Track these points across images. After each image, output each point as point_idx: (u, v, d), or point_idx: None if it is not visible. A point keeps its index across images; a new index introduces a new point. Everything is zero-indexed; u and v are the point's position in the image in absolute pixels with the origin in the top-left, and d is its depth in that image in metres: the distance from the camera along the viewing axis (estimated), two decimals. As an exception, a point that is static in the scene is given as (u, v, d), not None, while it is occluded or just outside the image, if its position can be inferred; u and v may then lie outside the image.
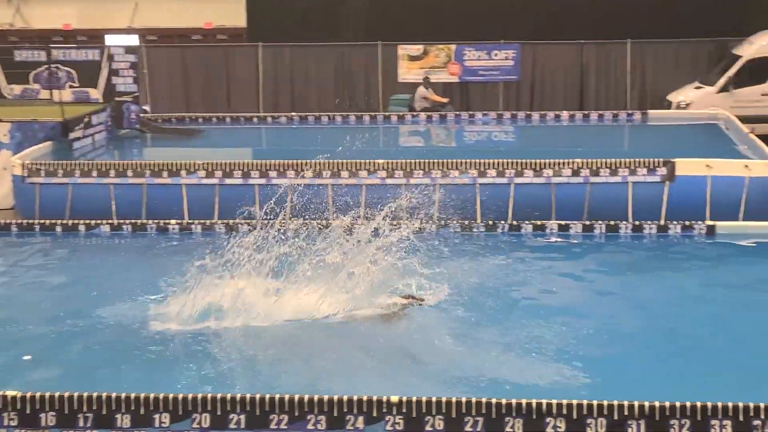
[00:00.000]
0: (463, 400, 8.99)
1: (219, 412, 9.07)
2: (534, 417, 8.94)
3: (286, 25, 30.68)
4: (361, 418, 9.02)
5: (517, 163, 17.41)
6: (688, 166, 17.23)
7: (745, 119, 22.72)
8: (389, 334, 11.55)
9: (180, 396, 9.05)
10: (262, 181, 17.66)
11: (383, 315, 12.01)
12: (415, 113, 24.05)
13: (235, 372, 10.62)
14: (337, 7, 30.65)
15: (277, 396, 9.05)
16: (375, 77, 29.31)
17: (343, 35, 30.11)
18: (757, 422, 8.74)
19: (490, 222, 15.21)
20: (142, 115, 23.38)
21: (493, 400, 9.00)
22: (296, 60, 29.60)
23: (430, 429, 8.96)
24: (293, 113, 24.93)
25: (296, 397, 9.05)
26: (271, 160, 17.89)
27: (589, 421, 8.90)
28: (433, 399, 9.03)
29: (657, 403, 8.85)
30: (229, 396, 9.06)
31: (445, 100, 26.95)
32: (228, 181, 17.71)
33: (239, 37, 32.61)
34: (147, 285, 12.82)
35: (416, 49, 29.11)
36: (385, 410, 9.01)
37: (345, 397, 9.06)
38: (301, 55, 29.60)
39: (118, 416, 8.94)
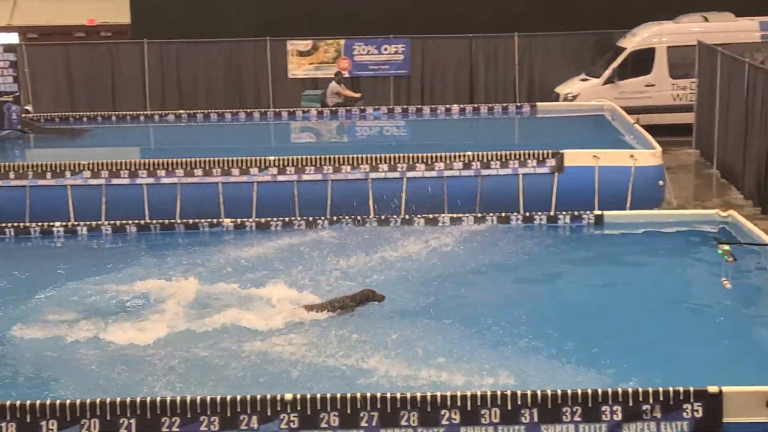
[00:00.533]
0: (358, 395, 8.95)
1: (109, 417, 8.88)
2: (429, 410, 8.95)
3: (173, 21, 30.22)
4: (255, 418, 8.92)
5: (408, 157, 17.43)
6: (576, 157, 17.48)
7: (630, 110, 23.13)
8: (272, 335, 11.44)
9: (68, 402, 8.84)
10: (151, 180, 17.35)
11: (337, 311, 11.90)
12: (306, 109, 23.92)
13: (127, 376, 10.40)
14: (224, 3, 30.32)
15: (168, 398, 8.89)
16: (264, 73, 29.07)
17: (231, 31, 29.78)
18: (646, 407, 8.89)
19: (383, 217, 15.18)
20: (23, 115, 22.73)
21: (388, 395, 8.98)
22: (183, 56, 29.19)
23: (326, 425, 8.90)
24: (181, 111, 24.54)
25: (188, 398, 8.90)
26: (160, 158, 17.58)
27: (483, 411, 8.95)
28: (328, 395, 8.97)
29: (549, 391, 8.94)
30: (118, 400, 8.88)
31: (357, 95, 26.92)
32: (115, 181, 17.35)
33: (124, 34, 32.01)
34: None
35: (305, 44, 28.98)
36: (279, 408, 8.93)
37: (238, 397, 8.95)
38: (188, 51, 29.20)
39: None
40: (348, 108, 24.28)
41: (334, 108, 24.39)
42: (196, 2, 30.45)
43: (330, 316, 11.78)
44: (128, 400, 8.87)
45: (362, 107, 24.42)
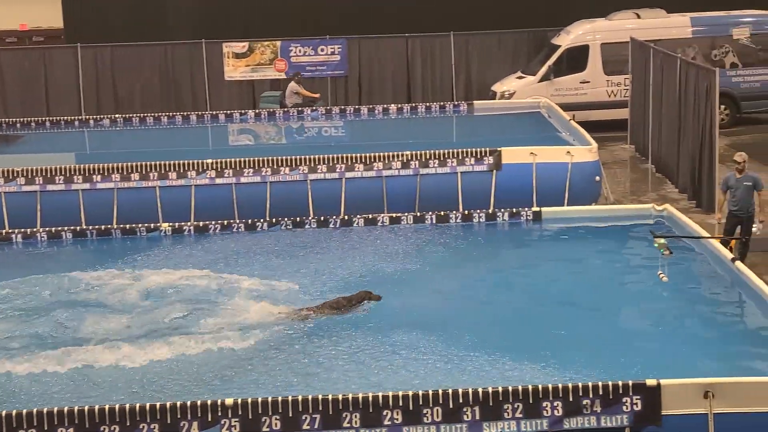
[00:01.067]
0: (299, 398, 8.94)
1: (46, 426, 8.78)
2: (371, 410, 8.96)
3: (106, 25, 29.90)
4: (195, 423, 8.87)
5: (347, 157, 17.41)
6: (513, 155, 17.58)
7: (565, 107, 23.33)
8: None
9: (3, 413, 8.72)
10: (86, 186, 17.14)
11: (335, 311, 11.95)
12: (258, 111, 23.78)
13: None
14: (158, 6, 30.04)
15: (107, 406, 8.81)
16: (200, 76, 28.86)
17: (166, 34, 29.52)
18: (586, 401, 8.97)
19: (322, 218, 15.16)
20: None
21: (329, 396, 8.97)
22: (118, 60, 28.85)
23: (267, 429, 8.87)
24: (117, 115, 24.28)
25: (127, 406, 8.82)
26: (95, 163, 17.38)
27: (425, 411, 8.98)
28: (269, 399, 8.95)
29: (490, 389, 8.99)
30: (55, 410, 8.78)
31: (316, 95, 26.81)
32: (50, 187, 17.10)
33: (57, 38, 31.57)
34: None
35: (241, 46, 28.80)
36: (219, 413, 8.88)
37: (178, 403, 8.89)
38: (123, 55, 28.88)
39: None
40: (287, 110, 24.17)
41: (289, 109, 24.28)
42: (129, 5, 30.13)
43: (327, 317, 11.77)
44: (65, 409, 8.79)
45: (321, 107, 24.34)
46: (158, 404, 8.81)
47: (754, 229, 16.14)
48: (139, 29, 29.59)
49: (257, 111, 23.98)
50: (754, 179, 16.14)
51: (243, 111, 24.03)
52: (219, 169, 17.28)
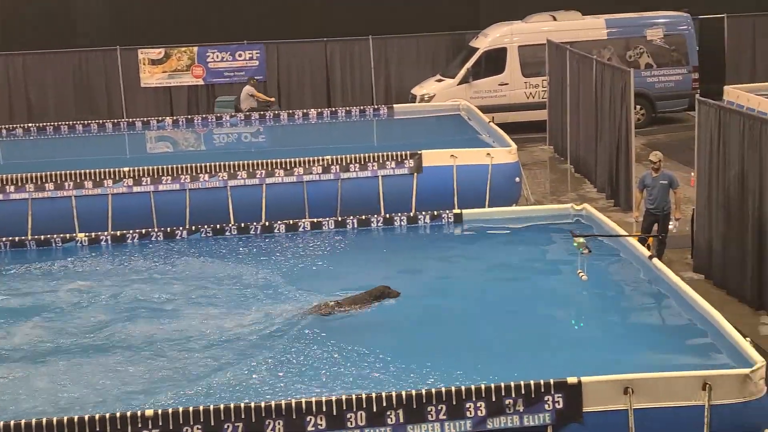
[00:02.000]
0: (221, 406, 8.85)
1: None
2: (294, 417, 8.90)
3: (18, 33, 29.33)
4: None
5: (267, 163, 17.31)
6: (434, 157, 17.64)
7: (485, 109, 23.49)
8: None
9: None
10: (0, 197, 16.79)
11: (354, 307, 12.05)
12: (162, 119, 23.50)
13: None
14: (70, 12, 29.55)
15: (23, 421, 8.64)
16: (116, 83, 28.47)
17: (78, 41, 29.06)
18: (509, 401, 9.02)
19: (243, 225, 15.03)
20: None
21: (252, 404, 8.90)
22: (31, 68, 28.36)
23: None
24: (30, 124, 23.81)
25: (43, 420, 8.67)
26: (9, 174, 17.02)
27: (349, 415, 8.95)
28: (190, 408, 8.85)
29: (413, 391, 9.00)
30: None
31: (271, 99, 26.57)
32: (-38, 198, 16.73)
33: (-33, 47, 30.94)
34: None
35: (157, 52, 28.49)
36: (140, 425, 8.76)
37: (97, 416, 8.77)
38: (35, 62, 28.39)
39: None
40: (218, 116, 23.91)
41: (218, 115, 24.07)
42: (41, 12, 29.58)
43: (346, 312, 11.86)
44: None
45: (277, 110, 24.14)
46: (75, 417, 8.65)
47: (670, 227, 16.41)
48: (51, 36, 29.06)
49: (174, 119, 23.70)
50: (669, 178, 16.40)
51: (160, 118, 23.75)
52: (136, 177, 17.04)
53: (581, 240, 13.23)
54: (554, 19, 27.33)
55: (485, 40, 27.33)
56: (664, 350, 10.62)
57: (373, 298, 12.14)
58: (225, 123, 23.42)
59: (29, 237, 15.12)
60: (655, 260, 12.49)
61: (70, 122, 23.41)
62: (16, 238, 14.76)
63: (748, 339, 9.70)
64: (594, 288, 12.44)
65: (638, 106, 25.62)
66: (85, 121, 23.45)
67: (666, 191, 16.32)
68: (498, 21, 27.85)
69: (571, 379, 9.05)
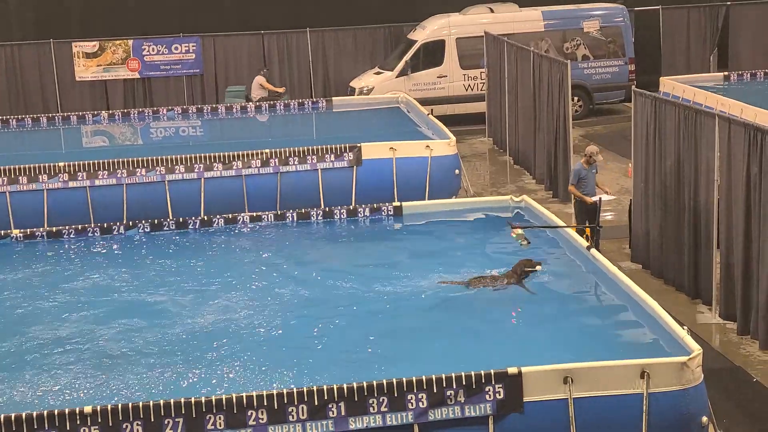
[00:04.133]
0: (161, 402, 8.78)
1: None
2: (235, 411, 8.87)
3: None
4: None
5: (205, 157, 17.18)
6: (373, 150, 17.65)
7: (424, 101, 23.55)
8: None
9: None
10: (-68, 193, 16.50)
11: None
12: (245, 104, 23.27)
13: None
14: (1, 5, 29.03)
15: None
16: (50, 77, 28.06)
17: (11, 34, 28.59)
18: (450, 392, 9.05)
19: (181, 220, 14.90)
20: None
21: (192, 399, 8.86)
22: (-38, 62, 27.94)
23: (129, 434, 8.70)
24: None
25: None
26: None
27: (290, 409, 8.92)
28: (130, 405, 8.77)
29: (354, 384, 9.00)
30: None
31: (281, 89, 26.29)
32: None
33: None
34: None
35: (92, 45, 28.12)
36: (78, 422, 8.67)
37: (34, 413, 8.66)
38: (-34, 57, 27.95)
39: None
40: (155, 109, 23.66)
41: (244, 104, 23.82)
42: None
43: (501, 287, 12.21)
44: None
45: (287, 101, 23.93)
46: (13, 415, 8.52)
47: (608, 198, 16.32)
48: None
49: (121, 111, 23.43)
50: (596, 167, 16.54)
51: (96, 112, 23.46)
52: (72, 172, 16.82)
53: (519, 231, 13.33)
54: (492, 11, 27.44)
55: (423, 33, 27.37)
56: (602, 340, 10.74)
57: (519, 275, 12.38)
58: (162, 117, 23.13)
59: (-38, 233, 14.87)
60: (593, 251, 12.60)
61: (4, 117, 23.08)
62: (-51, 235, 14.52)
63: (685, 327, 9.83)
64: (533, 278, 12.52)
65: (576, 98, 25.87)
66: (20, 116, 23.11)
67: (594, 180, 16.51)
68: (435, 13, 27.90)
69: (512, 369, 9.11)
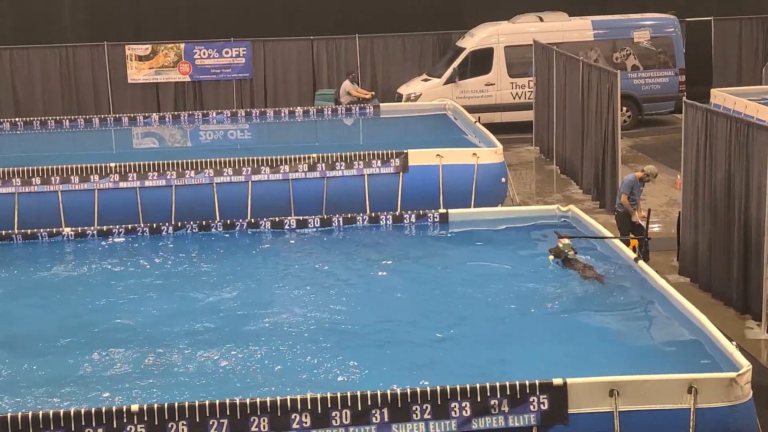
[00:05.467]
0: (207, 403, 8.85)
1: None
2: (279, 414, 8.91)
3: (4, 27, 29.19)
4: (100, 430, 8.73)
5: (253, 160, 17.29)
6: (420, 157, 17.66)
7: (471, 109, 23.50)
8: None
9: None
10: (-14, 191, 16.76)
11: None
12: (147, 115, 23.46)
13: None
14: (57, 8, 29.42)
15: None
16: (103, 79, 28.38)
17: (67, 36, 28.97)
18: (494, 401, 9.04)
19: (228, 221, 15.01)
20: None
21: (237, 401, 8.91)
22: (18, 63, 28.25)
23: (175, 434, 8.78)
24: (17, 119, 23.73)
25: (29, 414, 8.66)
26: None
27: (333, 413, 8.96)
28: (176, 404, 8.84)
29: (398, 390, 9.01)
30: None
31: (370, 93, 26.46)
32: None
33: (-46, 41, 30.79)
34: None
35: (144, 48, 28.41)
36: (125, 420, 8.76)
37: (82, 410, 8.76)
38: (22, 57, 28.25)
39: None
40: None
41: (334, 107, 23.99)
42: (28, 7, 29.46)
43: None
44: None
45: (375, 105, 24.08)
46: (61, 412, 8.63)
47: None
48: (38, 31, 28.94)
49: (171, 114, 23.66)
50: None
51: (147, 114, 23.69)
52: (123, 173, 17.01)
53: (567, 241, 13.28)
54: (541, 19, 27.36)
55: (472, 40, 27.35)
56: (649, 353, 10.66)
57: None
58: (211, 120, 23.32)
59: (16, 231, 15.06)
60: (641, 263, 12.52)
61: (57, 117, 23.38)
62: (3, 232, 14.71)
63: (734, 342, 9.74)
64: (579, 289, 12.47)
65: (625, 108, 25.70)
66: (72, 117, 23.41)
67: (639, 196, 16.49)
68: (484, 21, 27.87)
69: (557, 381, 9.07)
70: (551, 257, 13.15)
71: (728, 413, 9.06)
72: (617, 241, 13.64)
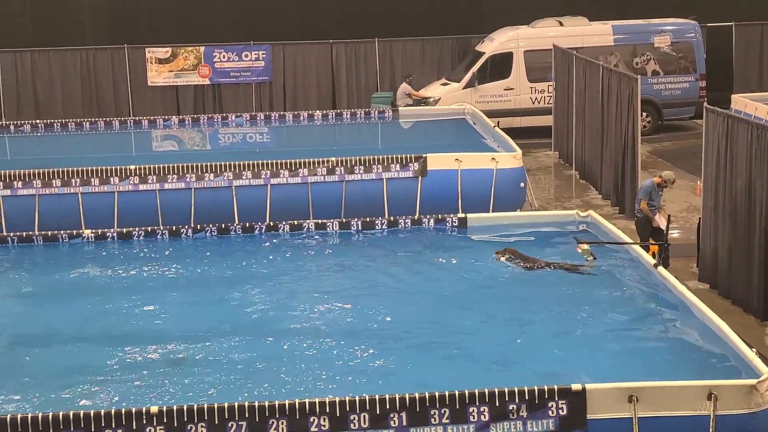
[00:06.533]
0: (225, 405, 8.87)
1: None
2: (297, 417, 8.92)
3: (25, 30, 29.37)
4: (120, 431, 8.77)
5: (272, 164, 17.33)
6: (439, 161, 17.65)
7: (490, 113, 23.49)
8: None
9: None
10: (7, 192, 16.82)
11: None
12: (167, 118, 23.55)
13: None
14: (76, 11, 29.57)
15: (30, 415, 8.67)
16: (123, 81, 28.50)
17: (86, 39, 29.11)
18: (512, 406, 9.03)
19: (247, 224, 15.04)
20: None
21: (256, 403, 8.92)
22: (38, 65, 28.40)
23: (193, 436, 8.80)
24: (38, 120, 23.86)
25: (50, 415, 8.70)
26: (16, 169, 17.06)
27: (352, 417, 8.96)
28: (195, 406, 8.87)
29: (416, 394, 9.01)
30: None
31: (427, 95, 26.51)
32: (-29, 193, 16.79)
33: (-26, 43, 30.97)
34: None
35: (164, 51, 28.52)
36: (144, 421, 8.79)
37: (102, 411, 8.80)
38: (43, 60, 28.41)
39: None
40: (224, 115, 23.92)
41: (378, 109, 24.06)
42: (49, 10, 29.62)
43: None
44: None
45: (432, 105, 24.07)
46: (81, 413, 8.68)
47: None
48: (58, 34, 29.10)
49: (191, 117, 23.73)
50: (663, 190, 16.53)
51: (166, 117, 23.78)
52: (142, 176, 17.07)
53: (586, 247, 13.26)
54: (561, 24, 27.32)
55: (491, 45, 27.33)
56: (668, 359, 10.62)
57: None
58: (231, 123, 23.38)
59: (36, 232, 15.13)
60: (660, 268, 12.48)
61: (78, 119, 23.50)
62: (23, 233, 14.79)
63: (754, 349, 9.70)
64: (599, 295, 12.44)
65: (644, 113, 25.61)
66: (92, 119, 23.51)
67: (659, 201, 16.43)
68: (504, 26, 27.84)
69: (576, 386, 9.05)
70: (502, 258, 13.22)
71: (748, 420, 9.02)
72: (637, 247, 13.60)
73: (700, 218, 16.41)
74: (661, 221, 16.00)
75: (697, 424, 8.99)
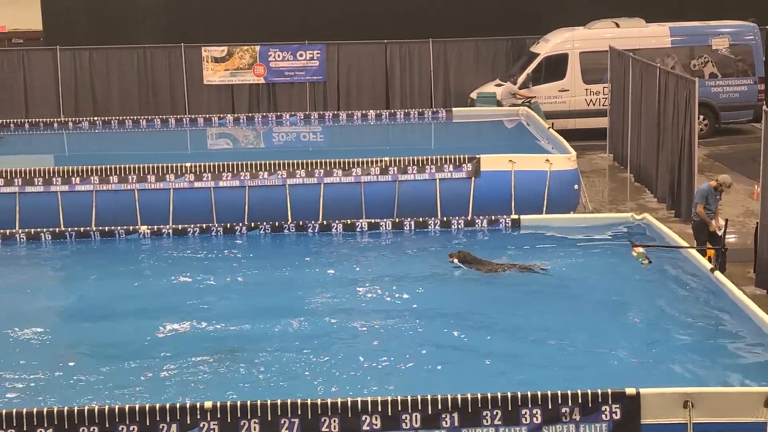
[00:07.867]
0: (278, 402, 8.91)
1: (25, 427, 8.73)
2: (350, 415, 8.94)
3: (85, 28, 29.78)
4: (174, 426, 8.84)
5: (326, 162, 17.39)
6: (492, 162, 17.61)
7: (544, 114, 23.40)
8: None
9: None
10: (65, 188, 17.06)
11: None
12: (223, 116, 23.77)
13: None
14: (134, 9, 29.92)
15: (86, 408, 8.77)
16: (179, 80, 28.78)
17: (143, 37, 29.44)
18: (565, 409, 8.98)
19: (300, 223, 15.11)
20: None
21: (309, 401, 8.96)
22: (97, 63, 28.76)
23: (247, 433, 8.86)
24: (96, 117, 24.17)
25: (106, 408, 8.79)
26: (74, 166, 17.29)
27: (404, 416, 8.97)
28: (248, 403, 8.93)
29: (469, 395, 8.99)
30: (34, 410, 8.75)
31: (532, 95, 26.64)
32: (28, 189, 17.02)
33: (36, 40, 31.40)
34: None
35: (220, 50, 28.75)
36: (198, 416, 8.86)
37: (157, 406, 8.87)
38: (101, 57, 28.77)
39: None
40: (279, 114, 24.07)
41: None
42: (108, 9, 30.01)
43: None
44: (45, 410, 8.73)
45: (537, 104, 24.12)
46: (137, 406, 8.77)
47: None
48: (117, 32, 29.47)
49: (248, 115, 23.90)
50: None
51: (221, 115, 23.99)
52: (198, 173, 17.23)
53: (641, 250, 13.14)
54: (617, 25, 27.14)
55: (546, 46, 27.22)
56: (724, 365, 10.49)
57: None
58: (285, 122, 23.51)
59: (93, 228, 15.33)
60: (717, 273, 12.35)
61: (134, 117, 23.77)
62: (82, 229, 14.98)
63: (811, 356, 9.57)
64: (654, 300, 12.34)
65: (702, 116, 25.35)
66: (149, 117, 23.78)
67: (717, 205, 16.26)
68: (560, 27, 27.70)
69: (630, 391, 8.98)
70: (455, 260, 13.19)
71: (805, 428, 8.90)
72: (693, 251, 13.46)
73: (757, 223, 16.21)
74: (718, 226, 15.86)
75: (753, 431, 8.88)
